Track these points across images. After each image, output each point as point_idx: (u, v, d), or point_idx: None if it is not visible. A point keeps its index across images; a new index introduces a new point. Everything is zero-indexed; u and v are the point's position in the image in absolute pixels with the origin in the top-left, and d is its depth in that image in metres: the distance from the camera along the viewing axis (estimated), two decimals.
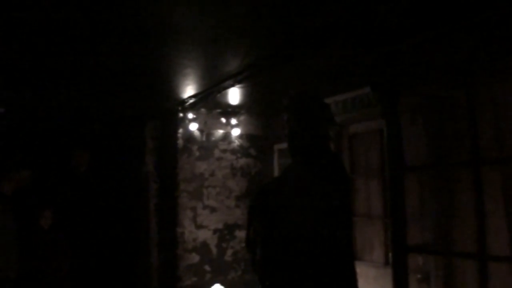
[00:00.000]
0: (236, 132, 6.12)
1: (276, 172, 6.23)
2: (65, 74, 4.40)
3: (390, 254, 4.50)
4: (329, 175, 2.24)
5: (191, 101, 5.44)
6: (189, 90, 5.08)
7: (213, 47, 3.65)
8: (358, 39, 3.44)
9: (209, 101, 5.44)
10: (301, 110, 2.36)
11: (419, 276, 3.90)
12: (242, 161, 6.23)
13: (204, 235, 5.96)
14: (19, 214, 4.56)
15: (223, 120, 6.11)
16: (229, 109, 6.09)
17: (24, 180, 4.55)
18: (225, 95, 5.24)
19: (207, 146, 6.06)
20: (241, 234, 6.13)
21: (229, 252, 6.07)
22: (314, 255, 2.16)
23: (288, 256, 2.18)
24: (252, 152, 6.28)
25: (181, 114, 5.90)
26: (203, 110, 5.99)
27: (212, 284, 5.80)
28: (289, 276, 2.17)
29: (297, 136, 2.36)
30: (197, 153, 6.00)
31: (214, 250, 5.99)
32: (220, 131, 6.14)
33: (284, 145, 5.93)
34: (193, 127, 5.92)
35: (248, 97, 5.42)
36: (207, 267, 5.93)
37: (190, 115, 5.88)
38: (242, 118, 6.18)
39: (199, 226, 5.95)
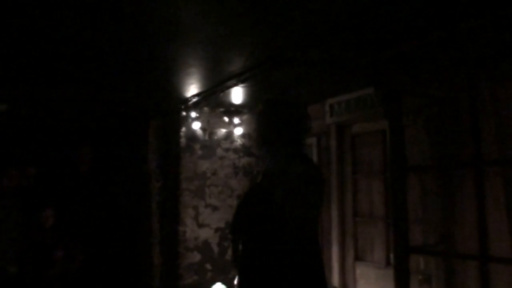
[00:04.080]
0: (238, 131, 6.13)
1: None
2: (68, 72, 4.41)
3: (391, 255, 4.50)
4: (306, 177, 2.28)
5: (194, 100, 5.45)
6: (192, 89, 5.08)
7: (217, 46, 3.66)
8: (361, 40, 3.44)
9: (212, 100, 5.45)
10: (278, 115, 2.42)
11: (420, 277, 3.90)
12: (244, 160, 6.23)
13: (206, 233, 5.97)
14: (23, 210, 4.57)
15: (226, 119, 6.11)
16: (232, 108, 6.09)
17: (29, 177, 4.55)
18: (228, 94, 5.25)
19: (209, 145, 6.06)
20: None
21: (231, 251, 6.06)
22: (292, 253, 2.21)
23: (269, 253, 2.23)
24: (255, 152, 6.28)
25: (184, 113, 5.91)
26: (206, 109, 6.00)
27: (213, 283, 5.80)
28: (268, 274, 2.22)
29: (270, 139, 2.41)
30: (199, 152, 6.01)
31: (215, 249, 6.00)
32: (223, 130, 6.14)
33: None
34: (196, 126, 5.93)
35: (251, 96, 5.43)
36: (208, 266, 5.94)
37: (193, 114, 5.89)
38: (244, 117, 6.18)
39: (200, 225, 5.95)
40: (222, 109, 6.09)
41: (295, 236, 2.19)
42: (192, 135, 5.98)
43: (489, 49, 2.83)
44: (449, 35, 2.92)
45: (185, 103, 5.63)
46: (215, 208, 6.03)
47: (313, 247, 2.30)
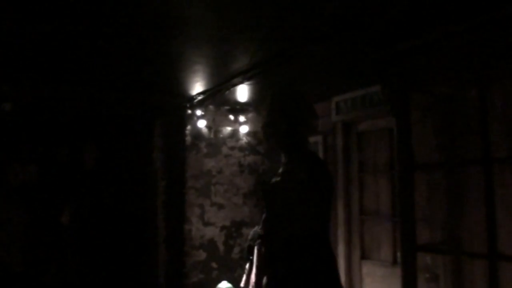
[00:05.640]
0: (244, 129, 6.11)
1: None
2: (73, 70, 4.41)
3: (398, 253, 4.48)
4: (312, 173, 2.32)
5: (200, 98, 5.43)
6: (197, 87, 5.07)
7: (223, 43, 3.64)
8: (368, 37, 3.41)
9: (218, 98, 5.43)
10: (286, 106, 2.42)
11: (427, 275, 3.87)
12: (250, 158, 6.22)
13: (211, 232, 5.96)
14: (33, 208, 4.57)
15: (231, 117, 6.10)
16: (238, 106, 6.07)
17: (30, 174, 4.56)
18: (234, 92, 5.23)
19: (215, 143, 6.05)
20: (248, 231, 6.11)
21: (236, 249, 6.06)
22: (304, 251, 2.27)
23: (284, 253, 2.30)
24: (260, 150, 6.26)
25: (189, 111, 5.89)
26: (211, 107, 5.98)
27: (219, 281, 5.79)
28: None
29: (276, 132, 2.41)
30: (205, 150, 6.00)
31: (221, 247, 5.99)
32: (228, 128, 6.13)
33: None
34: (201, 124, 5.92)
35: (256, 94, 5.41)
36: (214, 264, 5.93)
37: (199, 112, 5.88)
38: (250, 115, 6.17)
39: (206, 223, 5.94)
40: (227, 107, 6.07)
41: (310, 232, 2.26)
42: (197, 133, 5.96)
43: (499, 46, 2.80)
44: (458, 31, 2.90)
45: (190, 101, 5.61)
46: (220, 207, 6.02)
47: (325, 242, 2.36)
